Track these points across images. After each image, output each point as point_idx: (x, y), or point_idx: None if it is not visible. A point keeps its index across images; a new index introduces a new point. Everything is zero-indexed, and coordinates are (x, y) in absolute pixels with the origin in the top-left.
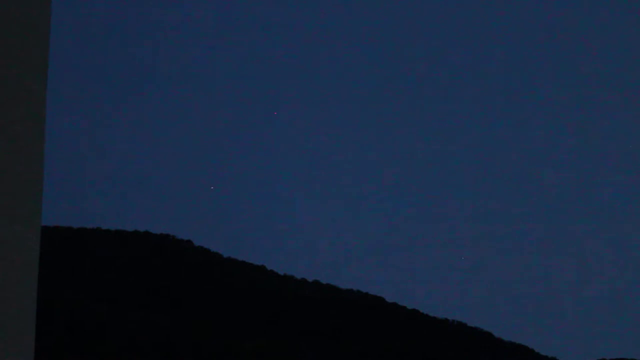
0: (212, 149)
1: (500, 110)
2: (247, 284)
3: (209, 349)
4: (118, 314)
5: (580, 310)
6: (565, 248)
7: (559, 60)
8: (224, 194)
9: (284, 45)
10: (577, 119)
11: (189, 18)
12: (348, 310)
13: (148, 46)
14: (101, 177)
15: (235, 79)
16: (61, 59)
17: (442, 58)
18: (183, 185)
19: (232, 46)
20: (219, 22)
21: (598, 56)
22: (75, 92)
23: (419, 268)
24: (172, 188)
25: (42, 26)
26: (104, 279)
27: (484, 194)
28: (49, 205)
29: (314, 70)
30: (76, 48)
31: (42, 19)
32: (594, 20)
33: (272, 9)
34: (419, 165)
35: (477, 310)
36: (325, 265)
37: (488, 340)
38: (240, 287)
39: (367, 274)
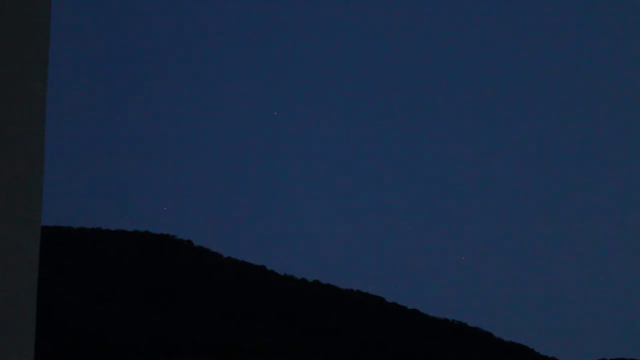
0: (212, 149)
1: (499, 109)
2: (247, 284)
3: (209, 349)
4: (118, 314)
5: (580, 310)
6: (565, 248)
7: (560, 60)
8: (224, 194)
9: (284, 45)
10: (578, 118)
11: (188, 18)
12: (348, 310)
13: (147, 46)
14: (101, 177)
15: (234, 78)
16: (61, 59)
17: (444, 57)
18: (183, 185)
19: (231, 46)
20: (218, 22)
21: (599, 55)
22: (75, 91)
23: (419, 268)
24: (172, 188)
25: (42, 26)
26: (104, 279)
27: (484, 194)
28: (49, 205)
29: (314, 70)
30: (76, 48)
31: (42, 19)
32: (594, 19)
33: (273, 9)
34: (419, 165)
35: (477, 310)
36: (325, 265)
37: (488, 340)
38: (240, 287)
39: (367, 274)
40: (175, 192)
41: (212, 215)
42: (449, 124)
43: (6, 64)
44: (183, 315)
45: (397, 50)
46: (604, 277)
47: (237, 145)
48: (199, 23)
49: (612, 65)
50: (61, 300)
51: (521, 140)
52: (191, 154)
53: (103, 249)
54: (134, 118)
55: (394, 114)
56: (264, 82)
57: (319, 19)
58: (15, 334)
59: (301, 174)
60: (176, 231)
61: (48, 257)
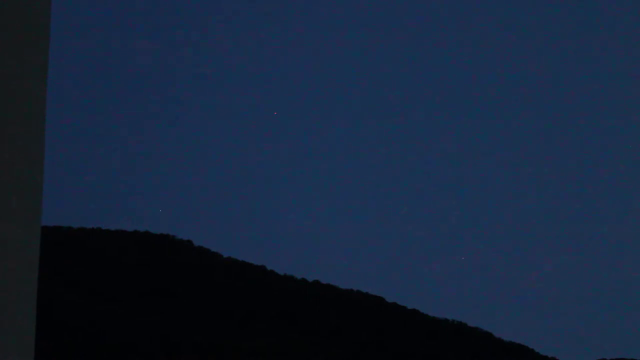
0: (212, 149)
1: (499, 109)
2: (247, 284)
3: (209, 349)
4: (118, 314)
5: (580, 310)
6: (565, 248)
7: (560, 60)
8: (224, 194)
9: (284, 45)
10: (578, 118)
11: (188, 18)
12: (348, 310)
13: (148, 46)
14: (101, 177)
15: (235, 78)
16: (61, 59)
17: (444, 57)
18: (183, 185)
19: (232, 46)
20: (219, 22)
21: (599, 54)
22: (75, 92)
23: (419, 268)
24: (172, 188)
25: (42, 26)
26: (104, 279)
27: (484, 194)
28: (49, 205)
29: (314, 70)
30: (76, 48)
31: (42, 18)
32: (594, 19)
33: (273, 8)
34: (419, 165)
35: (477, 310)
36: (325, 265)
37: (488, 340)
38: (240, 287)
39: (367, 274)
40: (175, 192)
41: (212, 215)
42: (449, 124)
43: (6, 64)
44: (183, 315)
45: (397, 50)
46: (604, 277)
47: (237, 145)
48: (199, 23)
49: (612, 65)
50: (61, 300)
51: (521, 140)
52: (191, 153)
53: (103, 249)
54: (133, 118)
55: (393, 114)
56: (264, 82)
57: (319, 18)
58: (15, 334)
59: (301, 174)
60: (176, 231)
61: (48, 257)
